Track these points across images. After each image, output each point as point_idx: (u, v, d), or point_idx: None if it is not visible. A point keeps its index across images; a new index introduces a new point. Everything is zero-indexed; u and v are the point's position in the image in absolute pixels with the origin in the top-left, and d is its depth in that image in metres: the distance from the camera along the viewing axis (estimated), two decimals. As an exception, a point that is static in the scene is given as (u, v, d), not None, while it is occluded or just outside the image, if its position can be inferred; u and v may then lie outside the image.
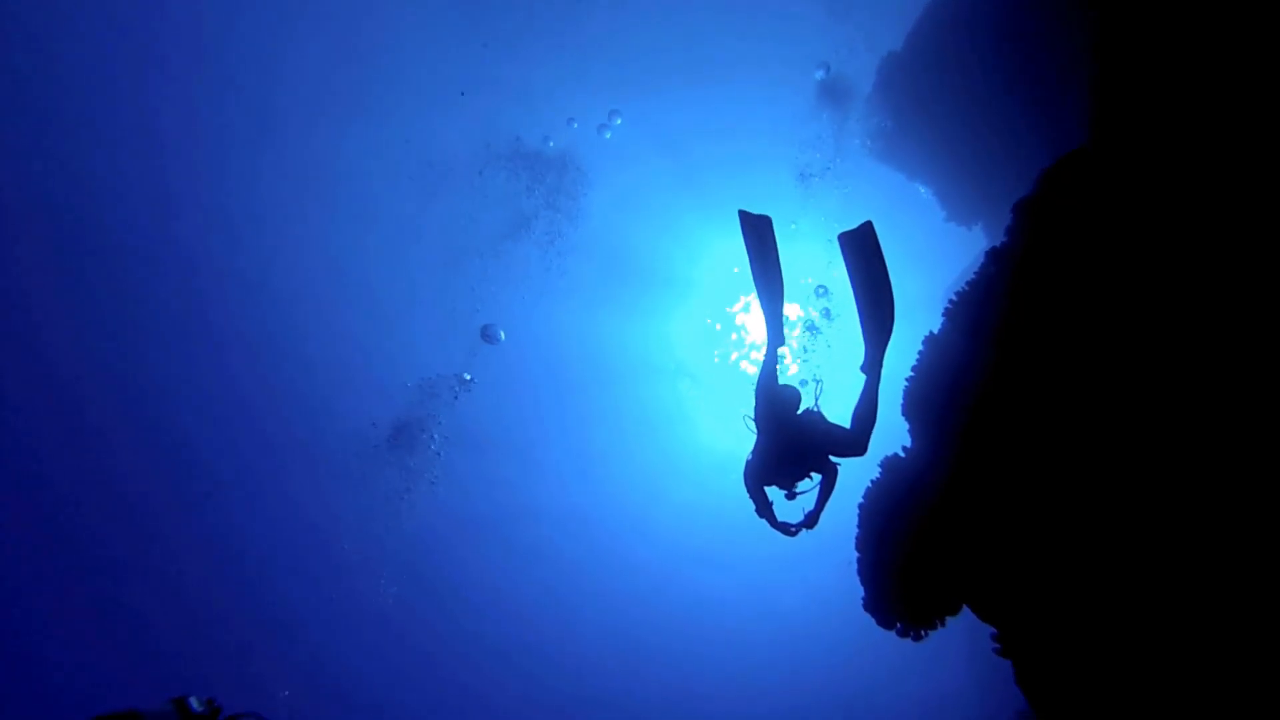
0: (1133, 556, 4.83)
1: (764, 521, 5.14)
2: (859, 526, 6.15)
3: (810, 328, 14.99)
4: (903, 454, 6.13)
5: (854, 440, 4.80)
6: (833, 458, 4.99)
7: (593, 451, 29.42)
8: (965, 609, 6.73)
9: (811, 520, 5.06)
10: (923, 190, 16.69)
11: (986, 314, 4.71)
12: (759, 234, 4.87)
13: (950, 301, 5.32)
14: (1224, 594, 4.31)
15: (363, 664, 30.94)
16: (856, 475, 7.08)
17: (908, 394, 5.70)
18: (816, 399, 5.14)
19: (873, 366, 4.76)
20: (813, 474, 4.99)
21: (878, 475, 6.18)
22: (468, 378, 19.48)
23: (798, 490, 5.01)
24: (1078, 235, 4.21)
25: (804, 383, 5.37)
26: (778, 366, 5.05)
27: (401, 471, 20.16)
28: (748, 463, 5.01)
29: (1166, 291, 4.15)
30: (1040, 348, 4.62)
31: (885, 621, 6.42)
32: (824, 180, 18.09)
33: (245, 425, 27.03)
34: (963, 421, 5.37)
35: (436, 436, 19.52)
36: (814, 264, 16.87)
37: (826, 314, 15.31)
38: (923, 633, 6.49)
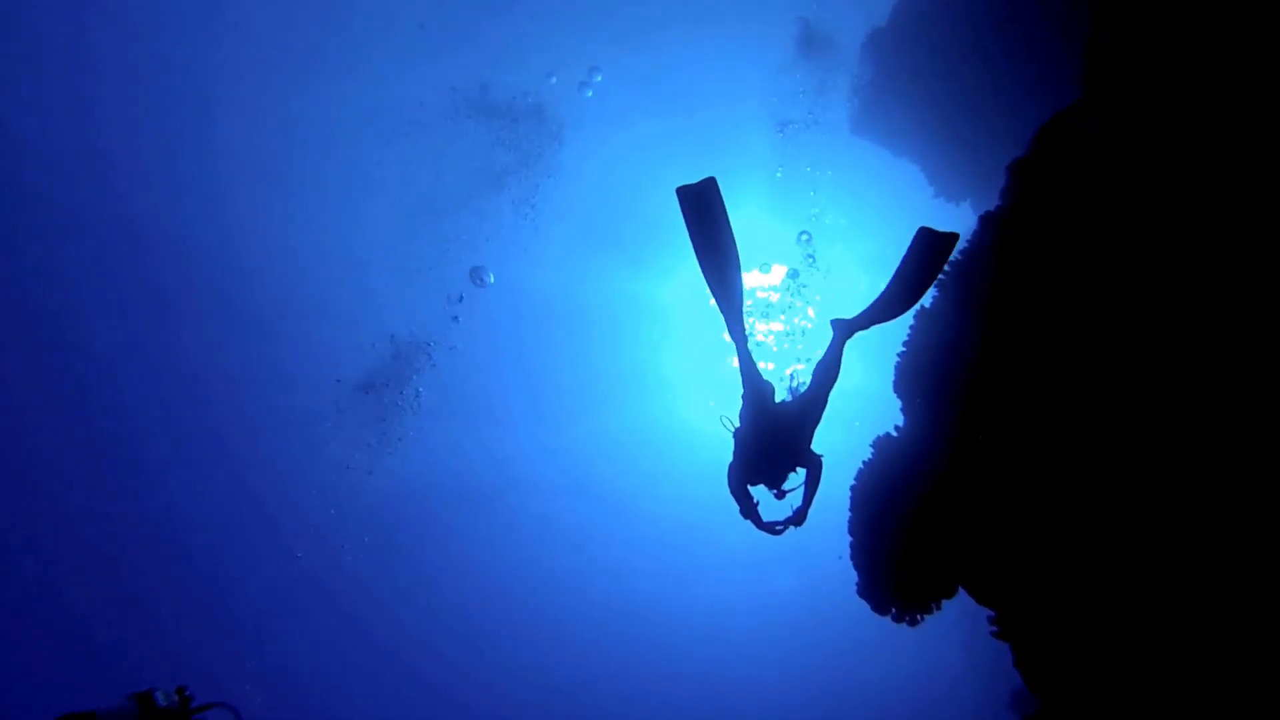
0: (1133, 536, 4.63)
1: (749, 523, 4.97)
2: (851, 509, 5.93)
3: (793, 274, 14.85)
4: (895, 433, 5.90)
5: (815, 399, 4.65)
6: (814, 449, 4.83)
7: (567, 416, 28.63)
8: (959, 590, 6.58)
9: (799, 517, 4.89)
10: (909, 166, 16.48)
11: (981, 284, 4.46)
12: (701, 207, 4.38)
13: (944, 272, 5.07)
14: (1226, 570, 4.12)
15: (318, 638, 30.02)
16: (848, 456, 6.86)
17: (900, 370, 5.46)
18: (791, 391, 4.92)
19: (847, 328, 4.65)
20: (797, 469, 4.83)
21: (870, 456, 5.95)
22: (456, 318, 18.96)
23: (786, 489, 4.85)
24: (1075, 198, 3.96)
25: (782, 378, 5.19)
26: (753, 356, 4.82)
27: (366, 432, 19.71)
28: (730, 465, 4.85)
29: (1169, 256, 3.91)
30: (1038, 318, 4.38)
31: (880, 607, 6.22)
32: (806, 130, 17.82)
33: (196, 384, 25.78)
34: (957, 398, 5.15)
35: (403, 395, 19.10)
36: (796, 213, 16.64)
37: (811, 260, 15.14)
38: (919, 617, 6.30)
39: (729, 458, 4.97)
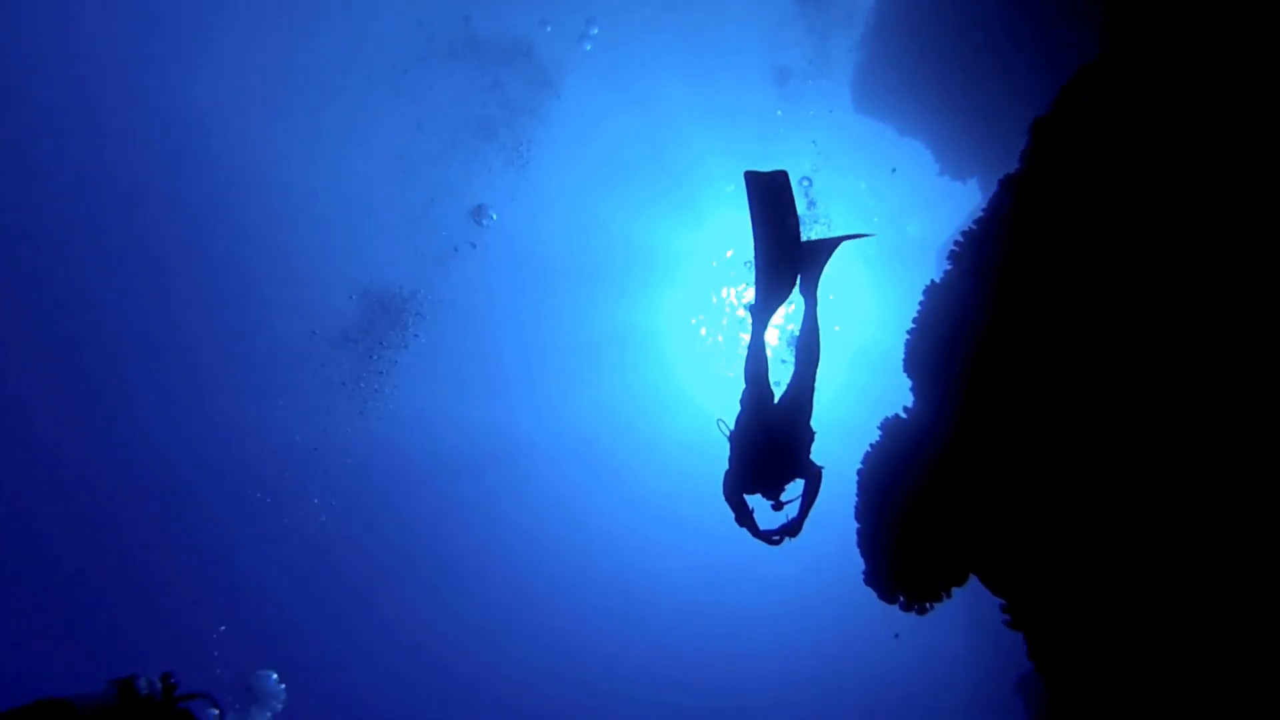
0: (1155, 521, 4.37)
1: (745, 530, 4.84)
2: (858, 494, 5.68)
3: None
4: (904, 415, 5.63)
5: (803, 381, 4.52)
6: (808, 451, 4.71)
7: (555, 375, 28.02)
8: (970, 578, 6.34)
9: (795, 528, 4.75)
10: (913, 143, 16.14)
11: (998, 254, 4.17)
12: (772, 198, 4.29)
13: (955, 243, 4.78)
14: (1252, 556, 3.86)
15: (290, 598, 29.37)
16: (855, 441, 6.59)
17: (909, 348, 5.18)
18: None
19: (810, 289, 4.51)
20: (796, 480, 4.73)
21: (877, 439, 5.68)
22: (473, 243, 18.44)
23: (784, 500, 4.75)
24: (1104, 159, 3.66)
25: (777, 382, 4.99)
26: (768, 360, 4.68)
27: (346, 383, 19.27)
28: (725, 473, 4.71)
29: (1203, 221, 3.62)
30: (1060, 289, 4.09)
31: (887, 595, 5.98)
32: (806, 82, 17.51)
33: (171, 328, 25.13)
34: (970, 376, 4.87)
35: (383, 346, 18.69)
36: (798, 159, 16.40)
37: (811, 205, 15.03)
38: (928, 606, 6.07)
39: (725, 461, 4.78)
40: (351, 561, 29.46)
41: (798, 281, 4.52)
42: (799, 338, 4.60)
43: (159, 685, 3.84)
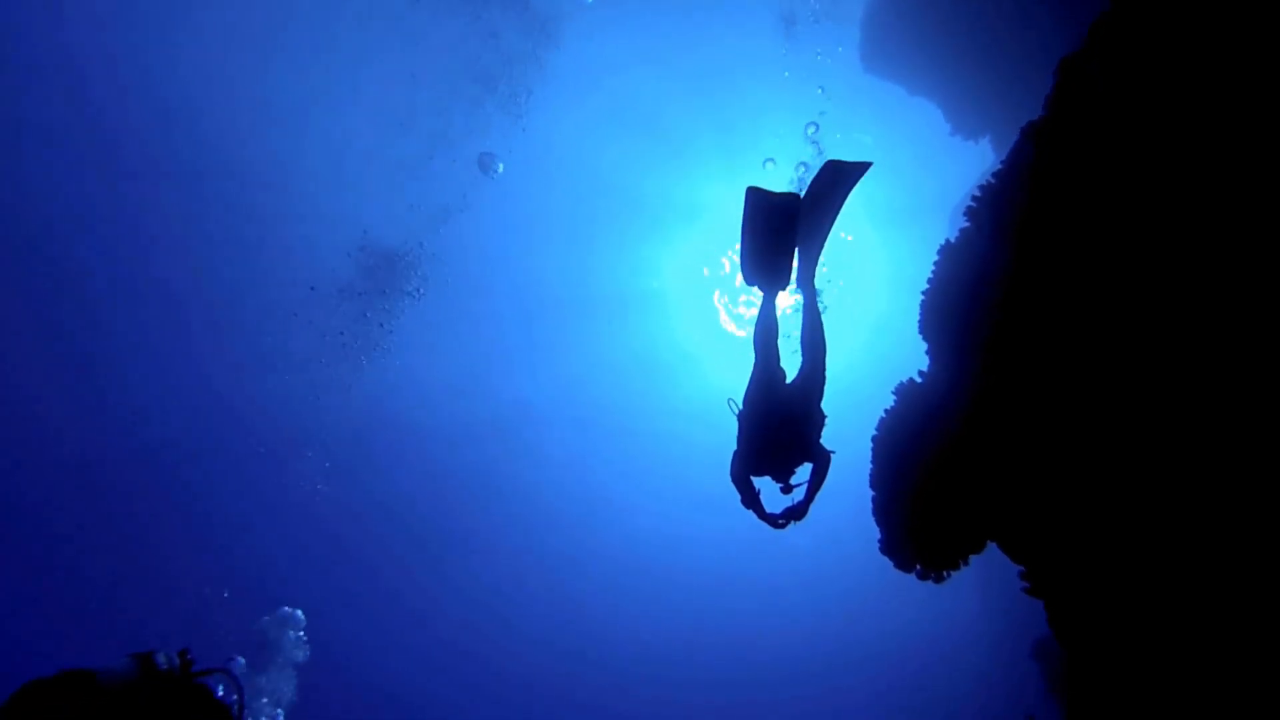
0: (1184, 486, 4.19)
1: (751, 512, 4.74)
2: (873, 461, 5.52)
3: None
4: (919, 379, 5.45)
5: (813, 374, 4.48)
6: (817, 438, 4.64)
7: (558, 335, 27.03)
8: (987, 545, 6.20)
9: (800, 511, 4.65)
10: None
11: (1019, 208, 3.95)
12: (773, 220, 4.39)
13: (973, 198, 4.55)
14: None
15: (289, 565, 28.49)
16: (869, 407, 6.41)
17: (924, 309, 4.98)
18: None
19: (806, 281, 4.49)
20: (804, 464, 4.66)
21: (892, 404, 5.50)
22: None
23: (793, 483, 4.70)
24: (1138, 103, 3.42)
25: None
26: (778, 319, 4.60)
27: (345, 343, 18.81)
28: (734, 453, 4.64)
29: (1247, 172, 3.39)
30: (1084, 245, 3.87)
31: (904, 564, 5.85)
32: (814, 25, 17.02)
33: (159, 285, 23.98)
34: (988, 337, 4.67)
35: (376, 308, 18.18)
36: (803, 106, 16.07)
37: (819, 150, 14.86)
38: (945, 574, 5.94)
39: (734, 440, 4.71)
40: (349, 528, 29.00)
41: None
42: (803, 333, 4.54)
43: (177, 660, 3.82)
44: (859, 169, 4.35)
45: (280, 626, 12.63)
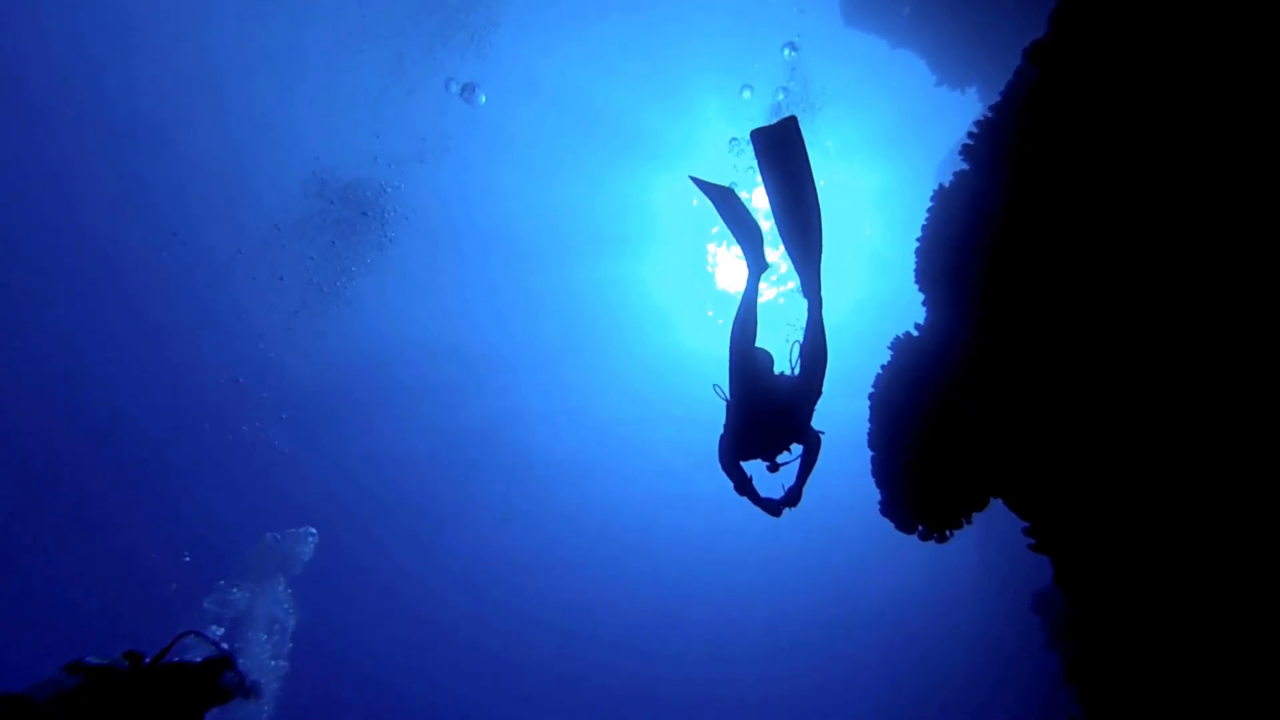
0: (1189, 437, 3.96)
1: (746, 499, 4.63)
2: (870, 420, 5.28)
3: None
4: (916, 332, 5.18)
5: (809, 385, 4.31)
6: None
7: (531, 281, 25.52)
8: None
9: (793, 497, 4.55)
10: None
11: (1022, 139, 3.65)
12: (725, 200, 4.35)
13: (970, 135, 4.25)
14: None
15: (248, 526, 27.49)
16: (865, 361, 6.14)
17: (920, 257, 4.70)
18: (792, 363, 4.50)
19: (811, 291, 4.27)
20: (793, 446, 4.53)
21: (888, 359, 5.24)
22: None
23: (779, 462, 4.56)
24: (1155, 17, 3.11)
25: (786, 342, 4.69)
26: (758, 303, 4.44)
27: (303, 286, 17.77)
28: (721, 437, 4.51)
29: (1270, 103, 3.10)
30: (1092, 180, 3.58)
31: (906, 525, 5.64)
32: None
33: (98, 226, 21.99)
34: (989, 283, 4.41)
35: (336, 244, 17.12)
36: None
37: (786, 93, 14.53)
38: (948, 533, 5.74)
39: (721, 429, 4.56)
40: (309, 487, 27.64)
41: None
42: (803, 343, 4.35)
43: (124, 661, 3.60)
44: (785, 128, 4.00)
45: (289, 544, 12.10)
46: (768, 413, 4.31)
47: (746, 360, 4.35)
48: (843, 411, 6.70)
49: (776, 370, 4.49)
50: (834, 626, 32.39)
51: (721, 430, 4.47)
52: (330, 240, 17.75)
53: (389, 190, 17.86)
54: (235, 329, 21.73)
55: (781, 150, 4.02)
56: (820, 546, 30.91)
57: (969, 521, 5.90)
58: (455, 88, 17.15)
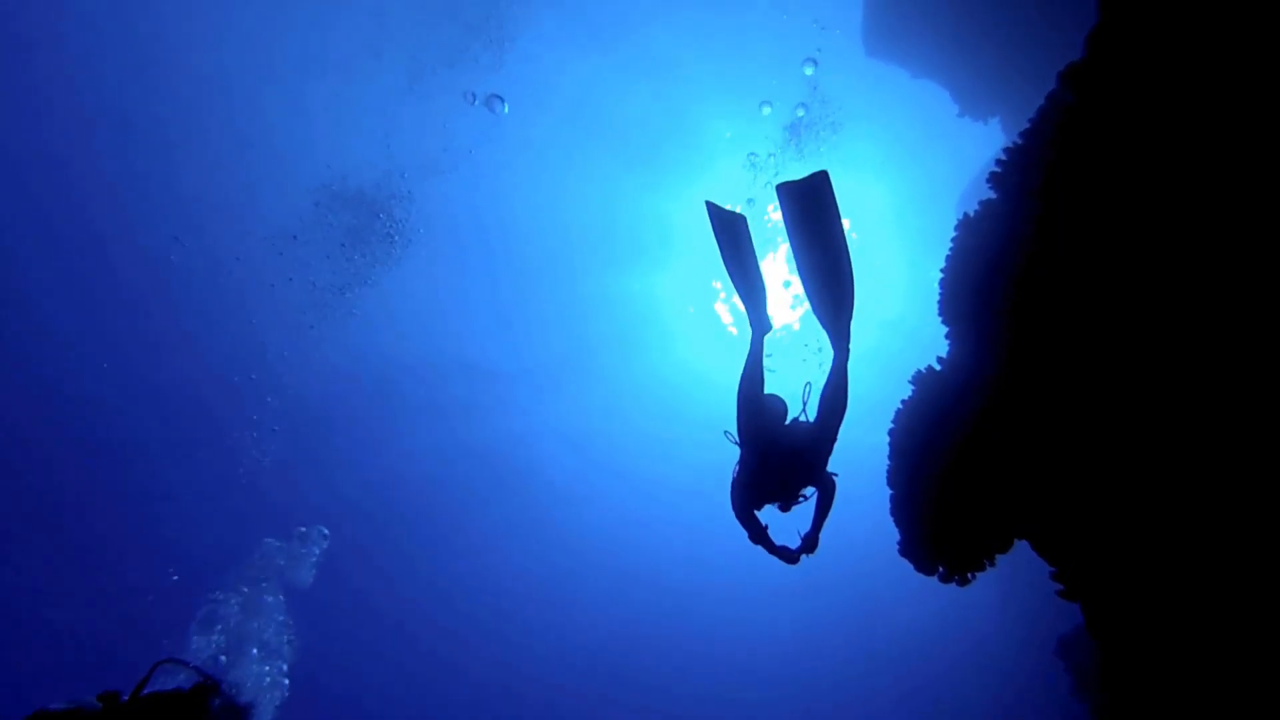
0: (1237, 473, 3.71)
1: (761, 549, 4.47)
2: (890, 457, 5.05)
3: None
4: (939, 366, 4.98)
5: (824, 434, 4.20)
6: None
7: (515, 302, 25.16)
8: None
9: (811, 543, 4.37)
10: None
11: (1053, 167, 3.48)
12: (732, 232, 4.23)
13: (998, 162, 4.08)
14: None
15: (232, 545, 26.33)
16: (885, 395, 5.94)
17: (944, 288, 4.52)
18: (805, 406, 4.42)
19: (838, 344, 4.17)
20: (807, 491, 4.40)
21: (910, 394, 5.04)
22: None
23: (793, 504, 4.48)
24: (1197, 35, 2.96)
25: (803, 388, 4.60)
26: (764, 363, 4.32)
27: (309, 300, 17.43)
28: (733, 485, 4.40)
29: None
30: (1127, 207, 3.40)
31: (925, 567, 5.38)
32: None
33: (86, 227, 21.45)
34: (1015, 315, 4.22)
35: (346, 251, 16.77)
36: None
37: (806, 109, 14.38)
38: (970, 576, 5.48)
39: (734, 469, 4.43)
40: (305, 501, 26.84)
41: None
42: (824, 390, 4.24)
43: (96, 703, 3.45)
44: (814, 184, 3.87)
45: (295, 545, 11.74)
46: (780, 459, 4.19)
47: (756, 411, 4.25)
48: (862, 443, 6.49)
49: (790, 417, 4.40)
50: (848, 666, 31.50)
51: (733, 476, 4.35)
52: (340, 244, 17.47)
53: (401, 200, 17.72)
54: (236, 336, 21.18)
55: (811, 207, 3.86)
56: (835, 580, 30.15)
57: (992, 564, 5.64)
58: (477, 99, 17.07)
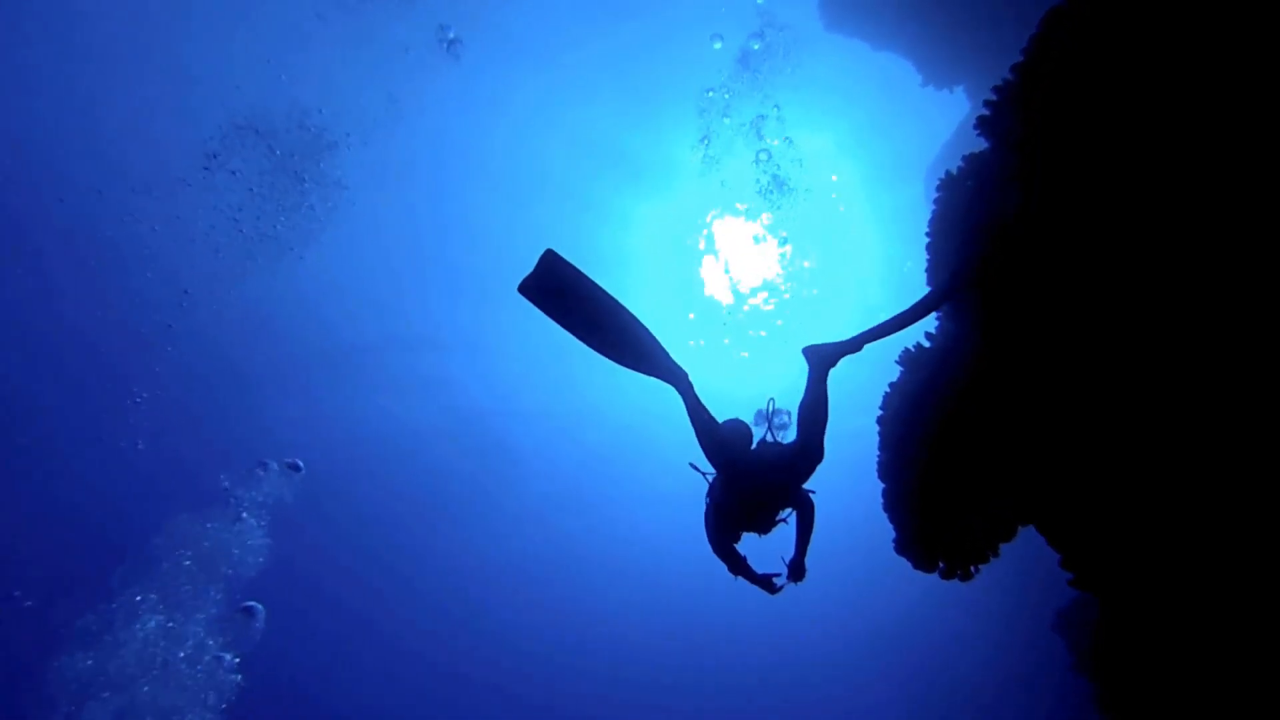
0: (1238, 452, 3.31)
1: (742, 579, 4.27)
2: (880, 449, 4.57)
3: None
4: (928, 342, 4.50)
5: (807, 450, 4.03)
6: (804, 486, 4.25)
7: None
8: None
9: (796, 570, 4.17)
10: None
11: (1045, 108, 3.00)
12: (562, 294, 3.89)
13: (986, 104, 3.59)
14: None
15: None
16: (872, 380, 5.48)
17: (931, 253, 4.03)
18: (770, 429, 4.29)
19: (828, 358, 4.15)
20: (784, 514, 4.23)
21: (898, 376, 4.55)
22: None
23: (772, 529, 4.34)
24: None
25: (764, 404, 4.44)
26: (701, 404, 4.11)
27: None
28: (706, 516, 4.25)
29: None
30: (1130, 147, 2.93)
31: (924, 564, 4.93)
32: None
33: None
34: (1012, 279, 3.75)
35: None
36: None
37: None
38: (973, 569, 5.03)
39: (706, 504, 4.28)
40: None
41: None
42: (802, 404, 4.12)
43: None
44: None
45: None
46: (753, 485, 3.98)
47: (718, 447, 4.04)
48: (846, 427, 6.02)
49: (757, 439, 4.20)
50: (839, 652, 31.36)
51: (705, 509, 4.15)
52: (264, 174, 15.21)
53: (346, 143, 16.15)
54: (149, 276, 18.61)
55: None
56: (823, 565, 29.82)
57: (995, 555, 5.20)
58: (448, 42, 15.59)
